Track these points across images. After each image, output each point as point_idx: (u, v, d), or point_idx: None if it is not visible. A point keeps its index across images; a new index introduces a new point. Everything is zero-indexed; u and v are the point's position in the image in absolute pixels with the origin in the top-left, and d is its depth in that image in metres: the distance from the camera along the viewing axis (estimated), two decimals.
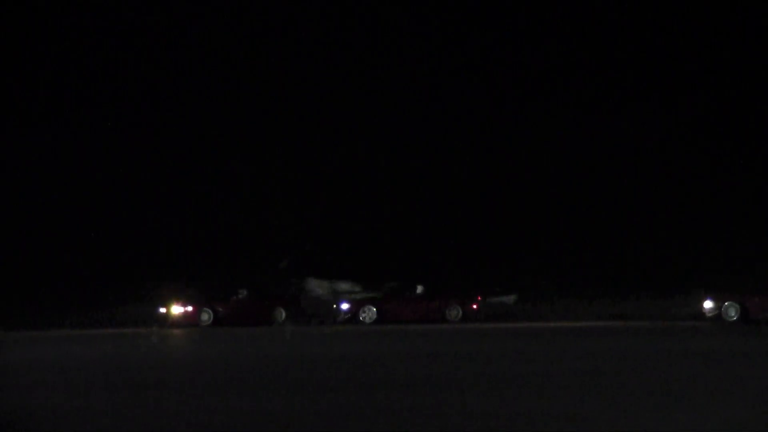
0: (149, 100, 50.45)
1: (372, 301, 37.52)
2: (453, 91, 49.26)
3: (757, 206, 44.11)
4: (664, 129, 46.23)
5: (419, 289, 37.87)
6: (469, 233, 46.42)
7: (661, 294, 39.27)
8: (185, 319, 38.38)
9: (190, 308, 38.66)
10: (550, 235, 45.60)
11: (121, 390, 14.24)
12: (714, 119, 45.99)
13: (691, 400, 12.19)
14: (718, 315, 33.53)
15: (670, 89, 47.45)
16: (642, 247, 44.34)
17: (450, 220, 46.83)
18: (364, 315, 36.84)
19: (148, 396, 13.46)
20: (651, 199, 45.89)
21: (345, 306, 37.47)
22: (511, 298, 41.87)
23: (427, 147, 48.29)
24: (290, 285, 43.81)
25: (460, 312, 37.07)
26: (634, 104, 46.96)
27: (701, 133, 45.52)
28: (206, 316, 38.43)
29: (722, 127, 45.79)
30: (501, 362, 18.02)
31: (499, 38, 48.50)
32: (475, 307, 37.48)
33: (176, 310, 38.69)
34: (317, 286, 44.59)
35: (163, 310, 39.06)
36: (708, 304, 33.91)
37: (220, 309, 38.69)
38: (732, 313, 33.36)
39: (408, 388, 13.61)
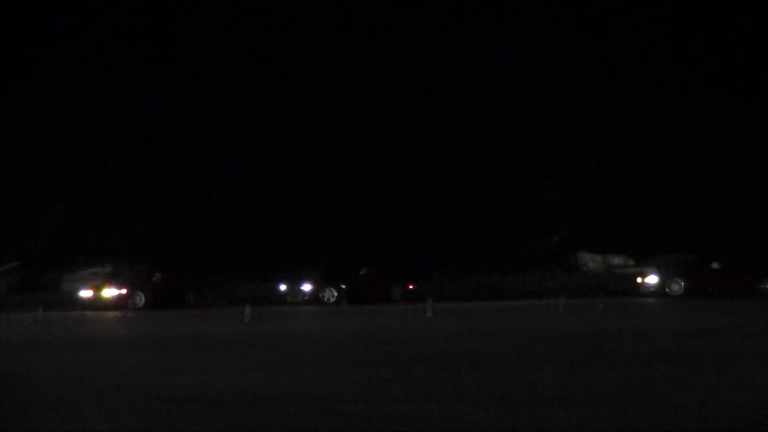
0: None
1: (332, 284, 37.35)
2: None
3: (690, 189, 45.46)
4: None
5: (363, 270, 38.30)
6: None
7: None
8: (119, 302, 37.23)
9: (124, 291, 37.59)
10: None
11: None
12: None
13: None
14: (661, 290, 34.51)
15: None
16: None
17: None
18: (323, 294, 36.87)
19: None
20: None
21: (307, 287, 37.38)
22: None
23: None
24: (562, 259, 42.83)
25: (401, 292, 37.83)
26: None
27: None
28: (138, 299, 37.47)
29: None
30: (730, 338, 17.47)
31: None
32: (410, 287, 38.37)
33: (109, 293, 37.56)
34: (590, 260, 43.73)
35: (87, 293, 37.91)
36: (652, 280, 34.93)
37: (148, 292, 37.92)
38: (676, 288, 34.48)
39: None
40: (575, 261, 44.29)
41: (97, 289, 37.85)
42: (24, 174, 46.65)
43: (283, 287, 38.22)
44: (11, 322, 28.62)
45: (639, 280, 35.74)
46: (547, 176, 46.27)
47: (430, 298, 27.66)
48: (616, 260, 44.40)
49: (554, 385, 11.04)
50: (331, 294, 36.74)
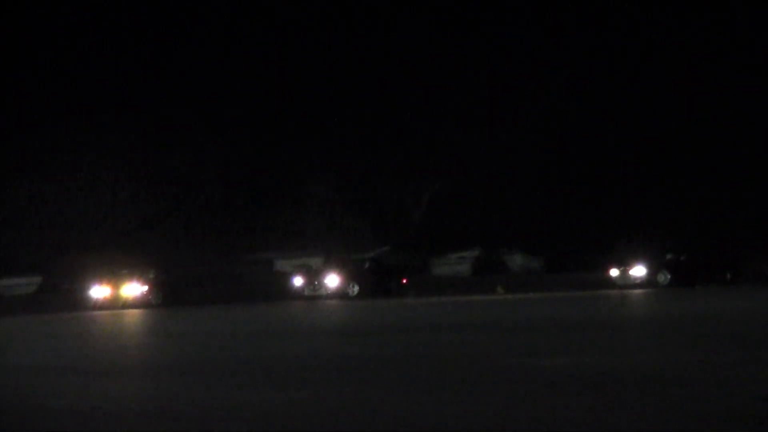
0: None
1: (354, 277, 39.30)
2: None
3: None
4: None
5: (367, 264, 40.67)
6: None
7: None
8: (142, 300, 37.84)
9: (146, 288, 38.42)
10: None
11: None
12: None
13: None
14: (650, 280, 38.38)
15: None
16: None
17: None
18: (351, 288, 38.83)
19: None
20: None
21: (335, 281, 38.79)
22: None
23: None
24: None
25: (397, 285, 40.33)
26: None
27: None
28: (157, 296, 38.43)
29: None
30: None
31: None
32: (404, 281, 40.81)
33: (130, 291, 38.04)
34: None
35: (101, 291, 37.59)
36: (640, 271, 38.72)
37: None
38: (662, 278, 38.41)
39: None
40: None
41: (118, 286, 38.15)
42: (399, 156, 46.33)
43: (299, 281, 39.74)
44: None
45: (615, 272, 39.44)
46: None
47: None
48: None
49: None
50: (353, 288, 38.87)
